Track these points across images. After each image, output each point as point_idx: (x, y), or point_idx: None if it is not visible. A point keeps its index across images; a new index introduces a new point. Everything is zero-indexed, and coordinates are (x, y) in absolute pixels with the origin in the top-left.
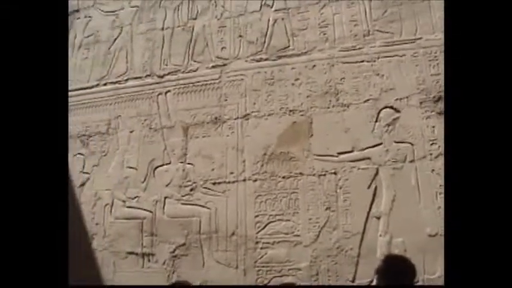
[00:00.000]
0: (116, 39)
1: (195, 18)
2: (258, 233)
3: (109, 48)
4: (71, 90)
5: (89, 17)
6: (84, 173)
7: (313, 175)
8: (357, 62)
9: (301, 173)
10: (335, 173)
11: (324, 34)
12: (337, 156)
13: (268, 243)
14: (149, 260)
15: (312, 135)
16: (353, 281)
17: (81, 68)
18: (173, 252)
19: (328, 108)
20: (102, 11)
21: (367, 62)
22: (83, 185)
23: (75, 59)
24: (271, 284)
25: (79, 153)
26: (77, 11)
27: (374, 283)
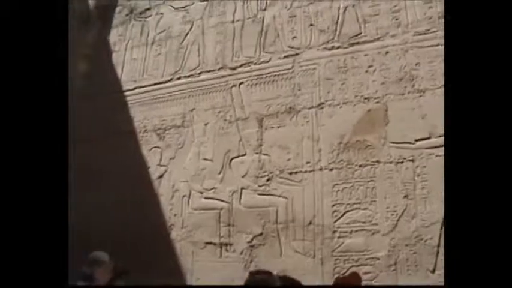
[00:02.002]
0: (187, 34)
1: (265, 9)
2: (335, 222)
3: (181, 43)
4: (146, 86)
5: (160, 13)
6: (161, 165)
7: (390, 163)
8: (432, 46)
9: (377, 161)
10: (412, 161)
11: (397, 19)
12: (414, 143)
13: (345, 232)
14: (227, 250)
15: (387, 122)
16: (433, 272)
17: (155, 63)
18: (250, 241)
19: (404, 94)
20: (172, 7)
21: (443, 45)
22: (160, 177)
23: (148, 56)
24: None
25: (156, 147)
26: (149, 9)
27: None
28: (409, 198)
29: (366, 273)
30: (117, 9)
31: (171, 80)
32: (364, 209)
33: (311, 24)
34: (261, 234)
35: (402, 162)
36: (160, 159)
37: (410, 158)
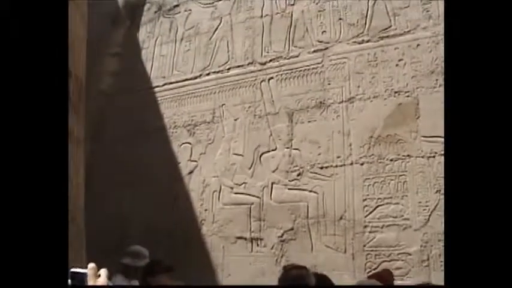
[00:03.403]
0: (216, 30)
1: (293, 4)
2: (366, 216)
3: (210, 39)
4: (175, 82)
5: (189, 10)
6: (191, 161)
7: (422, 157)
8: None
9: (409, 155)
10: None
11: (427, 11)
12: None
13: (377, 227)
14: (258, 245)
15: (418, 116)
16: None
17: (184, 60)
18: (281, 236)
19: (435, 88)
20: (200, 3)
21: None
22: (191, 172)
23: (177, 52)
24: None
25: (186, 142)
26: (177, 5)
27: None
28: (441, 193)
29: (397, 268)
30: (146, 6)
31: (200, 76)
32: (396, 203)
33: (340, 18)
34: (291, 229)
35: (434, 157)
36: (191, 155)
37: (442, 152)
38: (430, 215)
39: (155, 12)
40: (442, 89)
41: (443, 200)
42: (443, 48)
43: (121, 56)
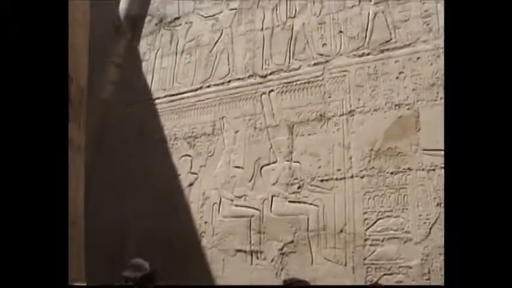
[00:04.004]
0: (217, 42)
1: (294, 17)
2: (366, 229)
3: (211, 51)
4: (176, 94)
5: (190, 22)
6: (192, 173)
7: (422, 170)
8: None
9: (409, 168)
10: None
11: (427, 24)
12: None
13: (377, 240)
14: (258, 257)
15: (419, 129)
16: None
17: (185, 72)
18: (281, 249)
19: (436, 100)
20: (201, 16)
21: None
22: (191, 185)
23: (178, 64)
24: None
25: (186, 155)
26: (178, 18)
27: None
28: (441, 206)
29: (398, 282)
30: (147, 19)
31: (201, 88)
32: (396, 216)
33: (340, 31)
34: (292, 241)
35: (434, 170)
36: (191, 167)
37: (443, 165)
38: (430, 228)
39: (156, 24)
40: (442, 101)
41: (443, 213)
42: (443, 61)
43: (122, 67)
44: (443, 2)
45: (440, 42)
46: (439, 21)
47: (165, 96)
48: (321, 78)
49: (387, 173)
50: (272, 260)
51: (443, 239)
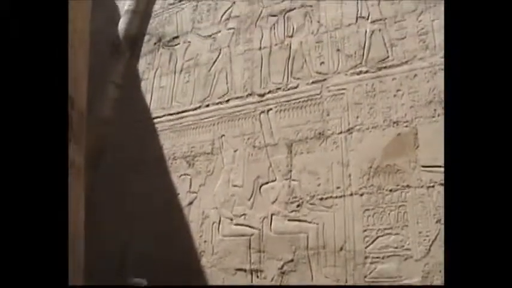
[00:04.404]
0: (215, 61)
1: (292, 36)
2: (366, 247)
3: (209, 71)
4: (175, 113)
5: (188, 42)
6: (191, 192)
7: (421, 187)
8: None
9: (408, 185)
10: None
11: (424, 42)
12: None
13: (377, 257)
14: (258, 276)
15: (417, 146)
16: None
17: (184, 91)
18: (281, 268)
19: (433, 117)
20: (200, 35)
21: None
22: (190, 204)
23: (177, 83)
24: None
25: (185, 174)
26: (176, 37)
27: None
28: (441, 222)
29: None
30: (146, 38)
31: (199, 107)
32: (396, 234)
33: (338, 50)
34: (291, 260)
35: (433, 186)
36: (190, 186)
37: (442, 182)
38: (431, 245)
39: (155, 43)
40: (440, 118)
41: (443, 230)
42: (440, 78)
43: (121, 86)
44: (439, 19)
45: (437, 59)
46: (435, 39)
47: (164, 115)
48: (319, 96)
49: (386, 190)
50: (272, 279)
51: (443, 256)
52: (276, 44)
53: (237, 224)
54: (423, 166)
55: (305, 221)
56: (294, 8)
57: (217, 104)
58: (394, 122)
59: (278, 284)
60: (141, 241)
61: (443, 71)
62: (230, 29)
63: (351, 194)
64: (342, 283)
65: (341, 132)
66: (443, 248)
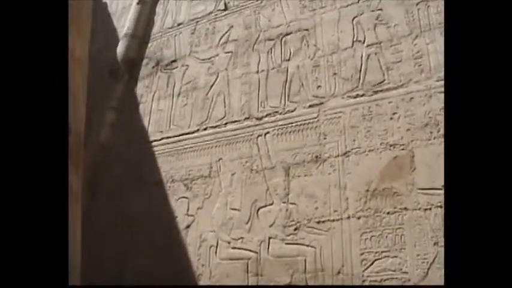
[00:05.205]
0: (213, 85)
1: (289, 60)
2: (364, 270)
3: (207, 94)
4: (173, 136)
5: (186, 65)
6: (188, 215)
7: (419, 209)
8: None
9: (405, 208)
10: (441, 207)
11: (419, 65)
12: (442, 189)
13: (375, 281)
14: None
15: (414, 169)
16: None
17: (182, 114)
18: None
19: (430, 140)
20: (198, 58)
21: None
22: (188, 227)
23: (175, 107)
24: None
25: (183, 197)
26: (175, 60)
27: None
28: (439, 245)
29: None
30: (144, 61)
31: (197, 130)
32: (394, 257)
33: (335, 73)
34: (289, 283)
35: (430, 209)
36: (188, 209)
37: (439, 204)
38: (429, 268)
39: (153, 67)
40: (436, 141)
41: (441, 253)
42: (436, 101)
43: (119, 110)
44: (433, 43)
45: (432, 82)
46: (430, 62)
47: (161, 139)
48: (316, 120)
49: (384, 213)
50: None
51: (442, 278)
52: (273, 68)
53: (234, 248)
54: (420, 189)
55: (303, 244)
56: (291, 32)
57: (215, 127)
58: (390, 145)
59: None
60: (139, 264)
61: (438, 94)
62: (228, 52)
63: (348, 217)
64: None
65: (338, 156)
66: (441, 271)
